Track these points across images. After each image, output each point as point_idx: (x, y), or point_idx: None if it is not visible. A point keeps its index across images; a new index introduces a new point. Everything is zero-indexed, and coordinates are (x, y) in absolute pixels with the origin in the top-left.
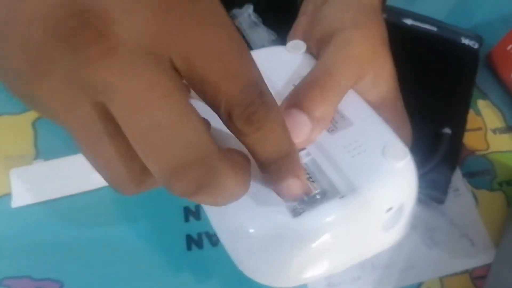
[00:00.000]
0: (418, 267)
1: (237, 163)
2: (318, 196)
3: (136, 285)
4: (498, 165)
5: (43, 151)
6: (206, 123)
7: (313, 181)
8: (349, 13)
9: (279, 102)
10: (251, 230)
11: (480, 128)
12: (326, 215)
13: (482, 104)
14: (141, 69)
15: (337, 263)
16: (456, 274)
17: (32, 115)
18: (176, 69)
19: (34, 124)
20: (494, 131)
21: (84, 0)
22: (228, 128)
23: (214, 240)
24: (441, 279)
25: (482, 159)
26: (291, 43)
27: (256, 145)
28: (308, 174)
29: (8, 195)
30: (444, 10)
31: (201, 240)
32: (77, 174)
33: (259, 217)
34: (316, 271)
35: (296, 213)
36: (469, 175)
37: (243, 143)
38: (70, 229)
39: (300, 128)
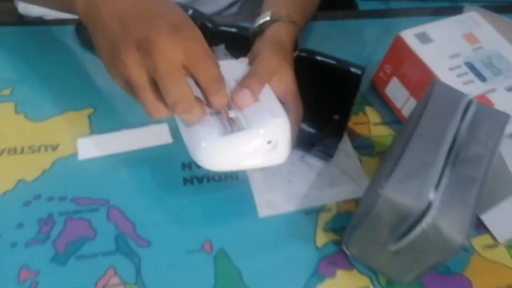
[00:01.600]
0: (322, 195)
1: (201, 104)
2: (235, 128)
3: (151, 205)
4: (376, 143)
5: (95, 132)
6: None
7: (234, 122)
8: (267, 44)
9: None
10: (203, 144)
11: (365, 122)
12: (238, 138)
13: (368, 109)
14: (169, 64)
15: (244, 164)
16: (347, 200)
17: (88, 111)
18: (183, 66)
19: (89, 116)
20: (375, 124)
21: (148, 34)
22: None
23: (200, 179)
24: (337, 203)
25: (366, 139)
26: (239, 59)
27: (213, 97)
28: (233, 120)
29: (75, 154)
30: (350, 51)
31: (192, 180)
32: (119, 143)
33: (206, 136)
34: (234, 165)
35: (224, 134)
36: (358, 148)
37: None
38: (114, 171)
39: (247, 97)
